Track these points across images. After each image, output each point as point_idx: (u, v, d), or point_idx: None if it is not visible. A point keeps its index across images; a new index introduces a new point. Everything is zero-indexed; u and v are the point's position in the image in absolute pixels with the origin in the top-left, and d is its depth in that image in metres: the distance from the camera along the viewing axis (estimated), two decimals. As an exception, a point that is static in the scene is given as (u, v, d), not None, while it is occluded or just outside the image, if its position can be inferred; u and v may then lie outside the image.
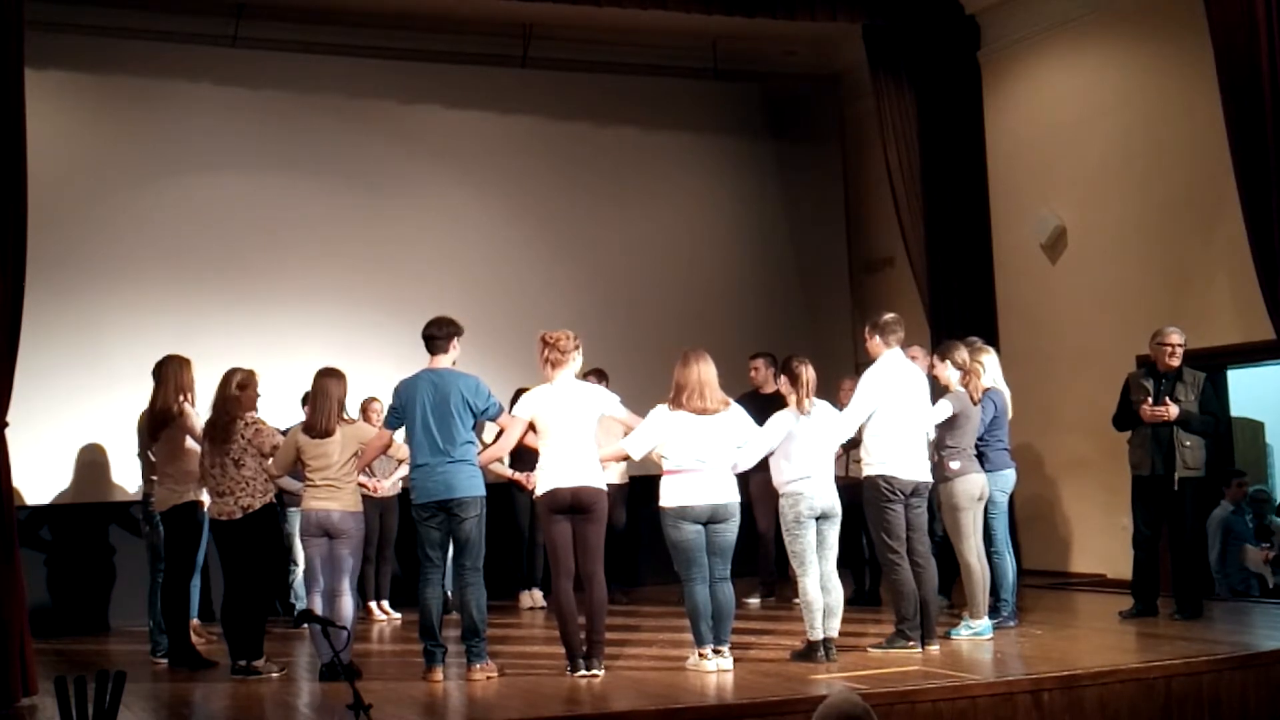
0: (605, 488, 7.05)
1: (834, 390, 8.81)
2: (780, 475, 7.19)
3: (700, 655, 6.95)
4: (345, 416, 7.43)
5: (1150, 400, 8.18)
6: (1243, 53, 7.92)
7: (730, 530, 7.02)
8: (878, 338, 7.57)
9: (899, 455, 7.39)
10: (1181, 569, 8.32)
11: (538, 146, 11.45)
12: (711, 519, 6.95)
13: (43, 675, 6.77)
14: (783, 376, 7.34)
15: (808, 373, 7.26)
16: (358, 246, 10.76)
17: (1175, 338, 8.21)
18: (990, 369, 8.17)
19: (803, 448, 7.14)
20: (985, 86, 11.17)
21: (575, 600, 6.95)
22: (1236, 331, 9.08)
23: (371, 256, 10.78)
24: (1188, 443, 8.10)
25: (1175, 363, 8.19)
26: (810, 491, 7.11)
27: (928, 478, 7.56)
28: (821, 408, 7.35)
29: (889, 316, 7.64)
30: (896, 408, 7.42)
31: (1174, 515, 8.23)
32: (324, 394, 7.27)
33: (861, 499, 7.64)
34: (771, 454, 7.20)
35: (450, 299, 9.42)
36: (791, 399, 7.25)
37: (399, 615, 9.70)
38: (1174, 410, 8.05)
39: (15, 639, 6.70)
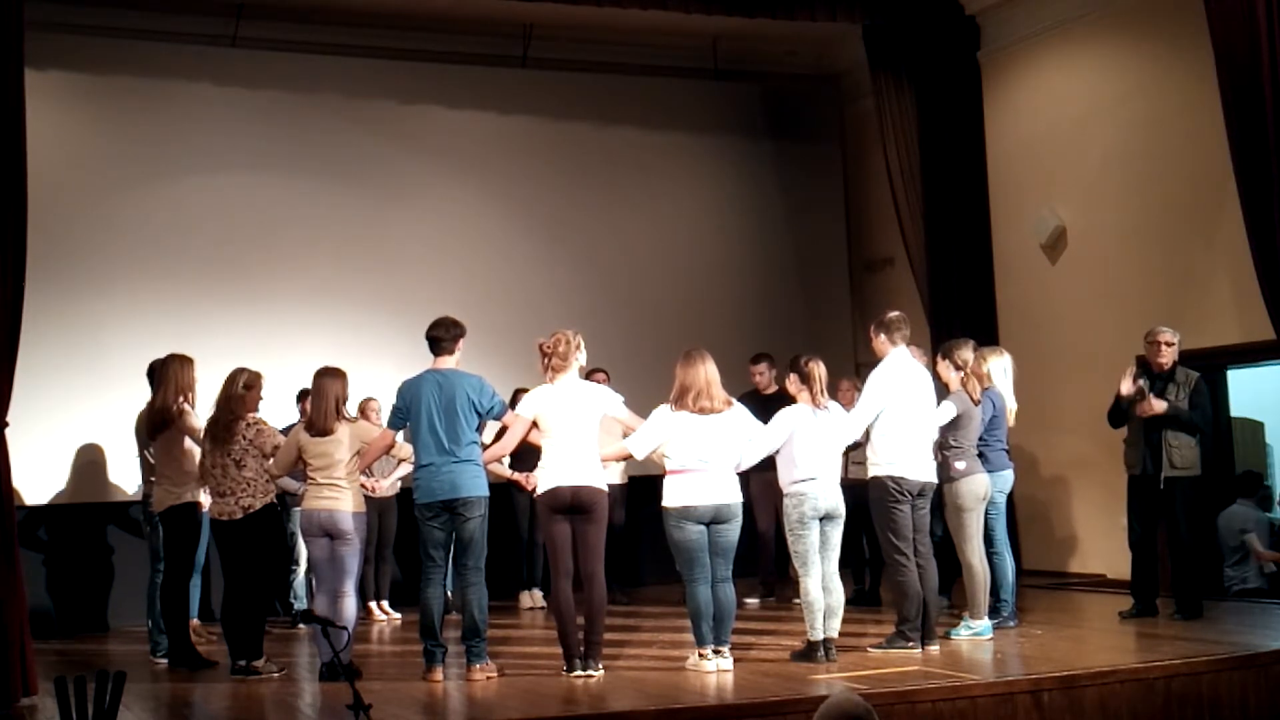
0: (606, 488, 7.05)
1: (834, 391, 8.76)
2: (786, 475, 7.18)
3: (700, 655, 6.95)
4: (348, 415, 7.41)
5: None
6: (1243, 52, 7.91)
7: (733, 531, 7.01)
8: (883, 337, 7.56)
9: (906, 456, 7.37)
10: (1180, 569, 8.32)
11: (538, 146, 11.45)
12: (715, 519, 6.94)
13: (43, 675, 6.77)
14: (793, 375, 7.32)
15: (819, 370, 7.26)
16: (357, 246, 10.75)
17: (1166, 336, 8.22)
18: (996, 372, 8.14)
19: (810, 447, 7.12)
20: (985, 86, 11.17)
21: (574, 600, 6.95)
22: (1236, 331, 9.07)
23: (371, 256, 10.78)
24: (1174, 442, 8.10)
25: (1165, 361, 8.20)
26: (815, 492, 7.09)
27: (934, 478, 7.55)
28: (832, 407, 7.35)
29: (894, 315, 7.62)
30: (903, 408, 7.41)
31: (1167, 515, 8.23)
32: (324, 393, 7.23)
33: (861, 500, 7.64)
34: (777, 453, 7.20)
35: (450, 298, 9.41)
36: (802, 396, 7.24)
37: (399, 615, 9.70)
38: (1159, 405, 8.04)
39: (15, 639, 6.70)
